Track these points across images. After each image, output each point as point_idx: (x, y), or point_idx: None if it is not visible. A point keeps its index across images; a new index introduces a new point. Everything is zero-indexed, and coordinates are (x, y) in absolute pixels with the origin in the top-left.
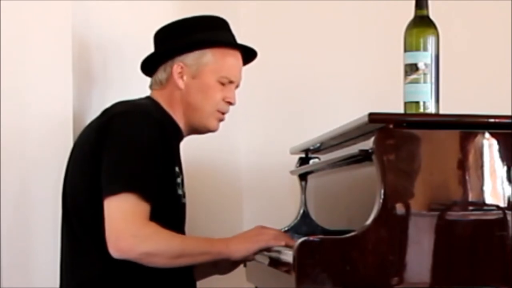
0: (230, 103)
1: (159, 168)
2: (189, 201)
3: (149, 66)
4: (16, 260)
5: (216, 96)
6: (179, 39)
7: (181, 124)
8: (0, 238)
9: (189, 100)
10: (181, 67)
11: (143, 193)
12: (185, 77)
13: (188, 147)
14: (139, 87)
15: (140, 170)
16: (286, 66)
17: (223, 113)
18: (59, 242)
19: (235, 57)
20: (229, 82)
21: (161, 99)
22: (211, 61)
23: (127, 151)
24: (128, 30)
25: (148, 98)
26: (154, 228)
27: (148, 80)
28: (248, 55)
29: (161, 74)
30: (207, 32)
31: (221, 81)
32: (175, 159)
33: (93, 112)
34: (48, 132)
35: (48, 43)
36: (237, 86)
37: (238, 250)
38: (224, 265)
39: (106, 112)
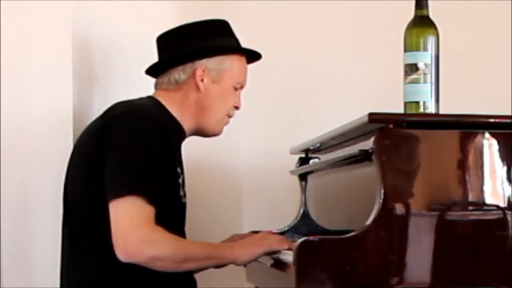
0: (237, 108)
1: (161, 170)
2: (189, 201)
3: (159, 66)
4: (16, 260)
5: (230, 101)
6: (198, 43)
7: (187, 125)
8: (0, 238)
9: (206, 103)
10: (203, 70)
11: (148, 196)
12: (205, 80)
13: (189, 147)
14: (140, 87)
15: (144, 173)
16: (286, 66)
17: (230, 117)
18: (59, 243)
19: (245, 63)
20: (240, 88)
21: (169, 100)
22: (229, 67)
23: (130, 153)
24: (128, 29)
25: (150, 98)
26: (161, 232)
27: (150, 80)
28: (250, 58)
29: (178, 75)
30: (222, 38)
31: (235, 87)
32: (177, 159)
33: (94, 112)
34: (48, 132)
35: (48, 43)
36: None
37: (242, 255)
38: None
39: (106, 113)
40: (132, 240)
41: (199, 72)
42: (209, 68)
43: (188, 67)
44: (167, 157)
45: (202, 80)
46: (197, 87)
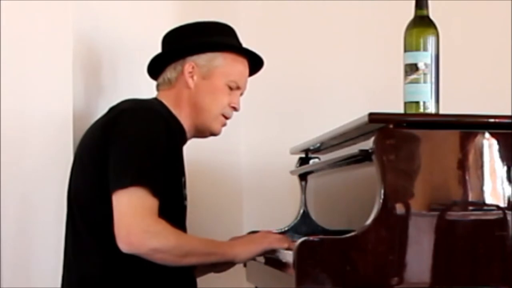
0: (234, 109)
1: (165, 164)
2: (189, 201)
3: (156, 67)
4: (17, 260)
5: (223, 99)
6: (190, 40)
7: (186, 125)
8: (1, 238)
9: (197, 100)
10: (193, 67)
11: (152, 188)
12: (195, 77)
13: (189, 147)
14: (141, 87)
15: (149, 165)
16: (286, 66)
17: (227, 118)
18: (60, 243)
19: (244, 65)
20: (236, 88)
21: (168, 100)
22: (221, 64)
23: (135, 146)
24: (128, 30)
25: (154, 99)
26: (164, 225)
27: (151, 81)
28: (254, 66)
29: (170, 73)
30: (218, 36)
31: (229, 85)
32: (180, 159)
33: (94, 114)
34: (48, 132)
35: (48, 43)
36: (241, 94)
37: (242, 252)
38: (221, 263)
39: (112, 109)
40: (135, 231)
41: (188, 69)
42: (199, 64)
43: (179, 64)
44: (171, 152)
45: (192, 76)
46: (187, 84)
